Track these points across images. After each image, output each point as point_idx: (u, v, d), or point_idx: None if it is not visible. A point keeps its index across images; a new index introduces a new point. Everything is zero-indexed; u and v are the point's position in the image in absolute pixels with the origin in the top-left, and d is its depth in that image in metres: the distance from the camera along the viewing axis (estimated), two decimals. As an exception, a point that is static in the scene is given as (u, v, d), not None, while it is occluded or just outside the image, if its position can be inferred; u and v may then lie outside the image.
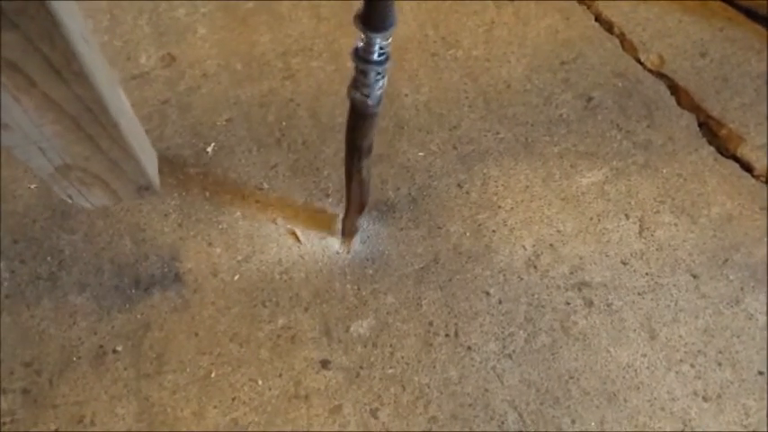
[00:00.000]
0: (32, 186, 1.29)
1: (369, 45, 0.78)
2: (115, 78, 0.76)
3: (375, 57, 0.80)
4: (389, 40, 0.78)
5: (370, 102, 0.87)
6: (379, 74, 0.83)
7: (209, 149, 1.37)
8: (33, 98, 0.64)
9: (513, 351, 1.16)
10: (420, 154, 1.39)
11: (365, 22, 0.75)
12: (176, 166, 1.34)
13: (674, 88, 1.53)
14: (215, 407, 1.08)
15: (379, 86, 0.86)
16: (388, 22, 0.75)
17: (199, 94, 1.46)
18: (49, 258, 1.22)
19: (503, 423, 1.09)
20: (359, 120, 0.93)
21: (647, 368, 1.15)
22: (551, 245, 1.28)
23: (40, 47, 0.58)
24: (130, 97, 1.42)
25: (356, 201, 1.14)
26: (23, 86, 0.62)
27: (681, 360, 1.16)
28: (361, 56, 0.80)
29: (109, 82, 0.72)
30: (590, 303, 1.21)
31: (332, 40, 1.57)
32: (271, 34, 1.58)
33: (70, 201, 0.87)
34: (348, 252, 1.26)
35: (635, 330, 1.19)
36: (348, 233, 1.26)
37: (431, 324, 1.18)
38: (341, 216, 1.28)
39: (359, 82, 0.85)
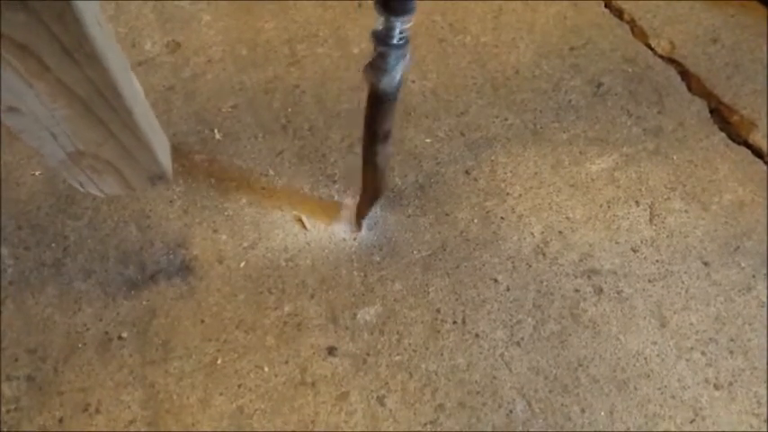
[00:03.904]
0: (37, 173, 1.28)
1: (388, 29, 0.77)
2: (127, 63, 0.75)
3: (395, 40, 0.79)
4: (410, 24, 0.77)
5: (389, 87, 0.86)
6: (398, 57, 0.82)
7: (215, 136, 1.36)
8: (46, 82, 0.63)
9: (522, 338, 1.15)
10: (427, 140, 1.38)
11: (385, 6, 0.74)
12: (182, 152, 1.33)
13: (685, 74, 1.51)
14: (221, 394, 1.07)
15: (399, 69, 0.84)
16: (408, 6, 0.74)
17: (204, 81, 1.44)
18: (53, 245, 1.21)
19: (511, 411, 1.08)
20: (377, 105, 0.91)
21: (658, 356, 1.14)
22: (560, 232, 1.26)
23: (52, 28, 0.57)
24: (135, 83, 1.41)
25: (370, 187, 1.13)
26: (36, 70, 0.61)
27: (692, 348, 1.15)
28: (381, 39, 0.79)
29: (122, 67, 0.70)
30: (599, 291, 1.20)
31: (337, 27, 1.55)
32: (276, 20, 1.57)
33: (81, 189, 0.86)
34: (355, 239, 1.24)
35: (645, 318, 1.17)
36: (360, 220, 1.25)
37: (438, 311, 1.17)
38: (347, 201, 1.27)
39: (378, 66, 0.83)
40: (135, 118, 0.73)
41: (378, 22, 0.77)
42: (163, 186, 0.86)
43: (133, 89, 0.75)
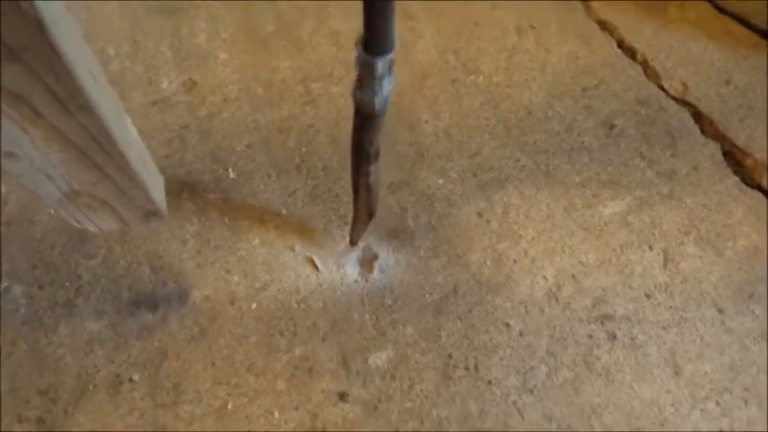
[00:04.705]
0: (51, 211, 1.29)
1: (371, 63, 0.77)
2: (122, 108, 0.77)
3: (379, 70, 0.78)
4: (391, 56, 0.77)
5: (375, 102, 0.84)
6: (383, 77, 0.80)
7: (229, 175, 1.37)
8: (40, 128, 0.65)
9: (535, 386, 1.14)
10: (440, 181, 1.38)
11: (366, 47, 0.74)
12: (196, 191, 1.34)
13: (698, 116, 1.51)
14: (231, 439, 1.07)
15: (385, 86, 0.82)
16: (389, 47, 0.74)
17: (219, 119, 1.46)
18: (66, 284, 1.21)
19: (523, 460, 1.07)
20: (364, 121, 0.90)
21: (672, 405, 1.12)
22: (573, 276, 1.26)
23: (45, 80, 0.59)
24: (151, 122, 1.43)
25: (364, 208, 1.12)
26: (30, 117, 0.63)
27: (706, 397, 1.14)
28: (365, 66, 0.78)
29: (115, 112, 0.72)
30: (613, 337, 1.19)
31: (352, 66, 1.56)
32: (291, 60, 1.58)
33: (78, 225, 0.87)
34: (366, 281, 1.24)
35: (659, 366, 1.16)
36: (355, 242, 1.26)
37: (450, 356, 1.16)
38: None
39: (364, 83, 0.81)
40: (128, 160, 0.75)
41: (360, 54, 0.77)
42: (156, 221, 0.88)
43: (127, 133, 0.77)
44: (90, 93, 0.62)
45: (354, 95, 0.85)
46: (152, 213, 0.87)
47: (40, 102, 0.61)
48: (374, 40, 0.74)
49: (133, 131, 0.82)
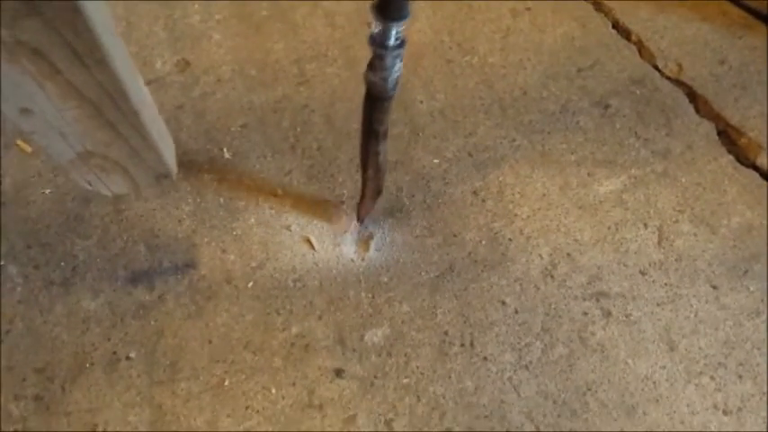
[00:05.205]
0: (47, 191, 1.29)
1: (385, 32, 0.80)
2: (136, 69, 0.77)
3: (392, 42, 0.81)
4: (404, 27, 0.80)
5: (387, 85, 0.88)
6: (395, 57, 0.84)
7: (224, 155, 1.36)
8: (56, 84, 0.65)
9: (530, 362, 1.14)
10: (435, 161, 1.38)
11: (381, 12, 0.77)
12: (191, 171, 1.33)
13: (693, 96, 1.51)
14: (228, 415, 1.07)
15: (396, 69, 0.87)
16: (403, 12, 0.77)
17: (213, 100, 1.45)
18: (62, 264, 1.21)
19: (519, 435, 1.08)
20: (375, 103, 0.93)
21: (667, 380, 1.13)
22: (569, 254, 1.26)
23: (64, 34, 0.59)
24: (145, 102, 1.42)
25: (372, 186, 1.14)
26: (47, 72, 0.63)
27: (701, 372, 1.14)
28: (378, 42, 0.82)
29: (130, 71, 0.72)
30: (608, 314, 1.19)
31: (346, 47, 1.56)
32: (285, 41, 1.57)
33: (89, 187, 0.88)
34: (362, 259, 1.24)
35: (654, 342, 1.17)
36: (362, 219, 1.27)
37: (446, 333, 1.16)
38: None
39: (376, 66, 0.86)
40: (142, 120, 0.75)
41: (374, 26, 0.80)
42: (168, 185, 0.89)
43: (141, 93, 0.77)
44: (107, 49, 0.62)
45: (366, 78, 0.89)
46: (164, 176, 0.88)
47: (58, 56, 0.61)
48: (390, 4, 0.76)
49: (146, 92, 0.82)
